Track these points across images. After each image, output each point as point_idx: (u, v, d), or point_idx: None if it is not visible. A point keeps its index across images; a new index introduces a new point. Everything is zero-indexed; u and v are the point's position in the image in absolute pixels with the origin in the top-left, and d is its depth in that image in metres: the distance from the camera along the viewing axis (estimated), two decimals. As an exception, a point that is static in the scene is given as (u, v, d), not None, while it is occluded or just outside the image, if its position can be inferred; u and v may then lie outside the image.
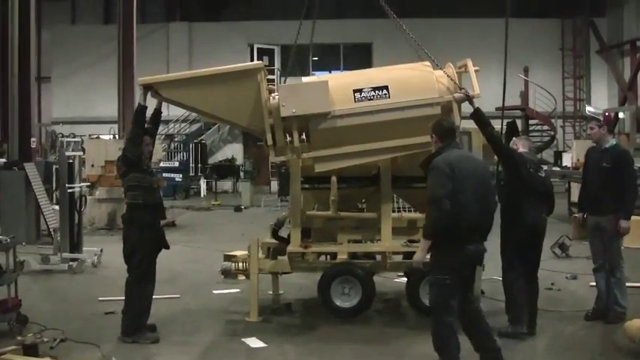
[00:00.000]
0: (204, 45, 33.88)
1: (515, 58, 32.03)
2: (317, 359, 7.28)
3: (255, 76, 7.66)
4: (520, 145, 8.12)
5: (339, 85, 7.83)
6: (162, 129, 33.18)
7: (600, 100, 33.31)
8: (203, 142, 32.56)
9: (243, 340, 7.75)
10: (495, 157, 8.02)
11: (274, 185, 28.59)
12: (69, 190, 12.39)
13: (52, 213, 14.55)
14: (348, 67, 31.38)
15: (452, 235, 5.94)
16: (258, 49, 33.04)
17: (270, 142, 7.68)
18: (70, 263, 12.03)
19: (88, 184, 16.45)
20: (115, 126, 22.40)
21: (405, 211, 10.24)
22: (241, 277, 9.41)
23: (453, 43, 27.30)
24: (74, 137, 27.62)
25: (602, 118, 9.07)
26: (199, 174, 30.54)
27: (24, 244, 14.98)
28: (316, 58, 33.49)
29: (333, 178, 8.47)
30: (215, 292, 10.23)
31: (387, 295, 9.70)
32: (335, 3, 34.40)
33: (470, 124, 7.97)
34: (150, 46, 31.40)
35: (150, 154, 8.20)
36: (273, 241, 9.09)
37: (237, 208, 23.33)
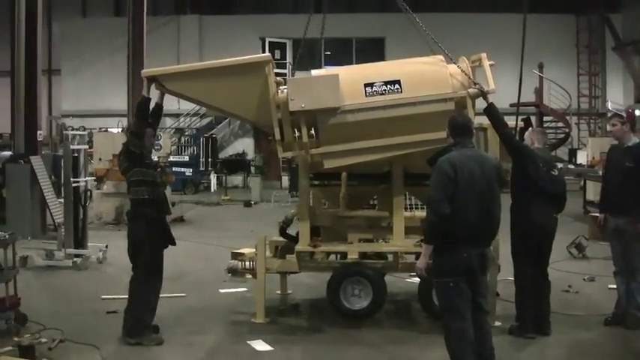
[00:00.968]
0: (215, 38, 33.62)
1: (530, 54, 31.50)
2: (323, 364, 7.02)
3: (262, 68, 7.37)
4: (535, 140, 7.82)
5: (350, 79, 7.54)
6: (172, 123, 33.07)
7: (615, 97, 32.84)
8: (214, 136, 32.31)
9: (248, 342, 7.49)
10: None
11: (285, 180, 28.29)
12: (73, 185, 12.14)
13: (58, 207, 14.29)
14: (361, 61, 30.96)
15: (451, 239, 5.74)
16: (269, 42, 32.71)
17: (277, 137, 7.40)
18: (75, 259, 11.80)
19: (94, 178, 16.22)
20: (124, 119, 22.17)
21: (418, 208, 9.93)
22: (248, 276, 9.13)
23: (466, 38, 26.87)
24: (84, 130, 27.54)
25: (624, 114, 8.59)
26: (209, 168, 30.28)
27: (29, 238, 14.86)
28: (328, 53, 33.25)
29: (344, 175, 8.19)
30: (222, 290, 9.96)
31: (399, 295, 9.41)
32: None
33: (486, 120, 7.68)
34: (160, 40, 31.20)
35: (152, 147, 8.04)
36: (282, 239, 8.81)
37: (247, 204, 23.06)
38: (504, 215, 6.33)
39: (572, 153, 29.35)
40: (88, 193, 12.63)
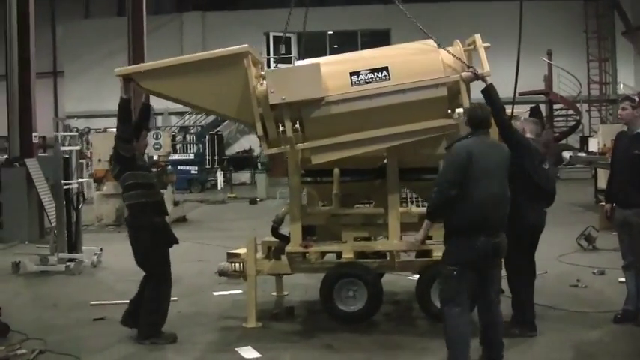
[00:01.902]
0: (218, 35, 33.25)
1: (538, 41, 31.36)
2: (315, 372, 6.64)
3: (240, 61, 6.94)
4: (527, 130, 7.37)
5: (335, 69, 7.12)
6: (177, 121, 32.77)
7: (627, 82, 32.26)
8: (219, 133, 32.01)
9: (236, 349, 7.09)
10: None
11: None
12: (66, 187, 11.83)
13: (54, 210, 14.01)
14: (366, 54, 30.68)
15: (462, 226, 5.85)
16: (274, 37, 32.28)
17: (260, 132, 7.00)
18: (68, 264, 11.48)
19: (92, 179, 15.91)
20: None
21: (413, 203, 9.52)
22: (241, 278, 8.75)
23: (472, 27, 26.40)
24: (88, 131, 27.22)
25: (637, 98, 8.01)
26: (216, 166, 29.95)
27: (27, 242, 14.62)
28: (336, 46, 32.90)
29: (336, 171, 7.79)
30: (215, 293, 9.59)
31: (398, 295, 9.00)
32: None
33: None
34: (163, 38, 30.98)
35: (144, 148, 7.85)
36: (275, 239, 8.41)
37: (252, 201, 22.73)
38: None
39: (584, 141, 28.92)
40: (81, 195, 12.28)
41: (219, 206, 22.61)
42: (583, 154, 23.41)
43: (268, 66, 24.52)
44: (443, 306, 6.06)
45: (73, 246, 11.91)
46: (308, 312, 8.53)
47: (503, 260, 6.70)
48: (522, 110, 29.78)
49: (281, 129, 6.86)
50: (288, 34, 32.27)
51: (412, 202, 9.58)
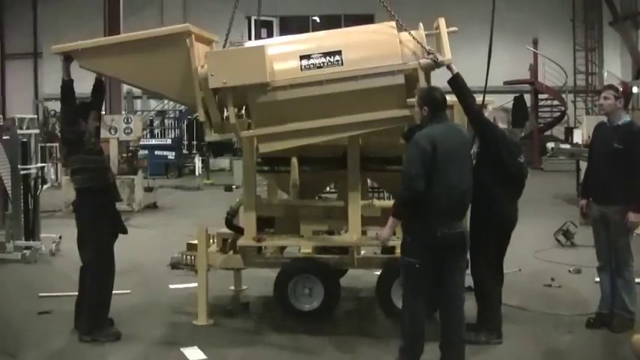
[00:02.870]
0: (200, 18, 32.34)
1: (524, 29, 30.95)
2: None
3: (181, 41, 6.45)
4: (498, 119, 6.86)
5: (284, 51, 6.62)
6: (155, 105, 32.13)
7: (612, 71, 31.84)
8: (199, 118, 31.36)
9: (182, 349, 6.62)
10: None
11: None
12: (23, 172, 11.29)
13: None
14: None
15: (424, 216, 5.56)
16: (255, 21, 31.64)
17: (202, 118, 6.53)
18: (24, 252, 10.95)
19: (45, 164, 15.35)
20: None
21: (378, 195, 9.02)
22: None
23: (456, 12, 25.94)
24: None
25: (620, 88, 7.48)
26: (194, 152, 29.35)
27: (-13, 229, 14.05)
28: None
29: (294, 160, 7.31)
30: (171, 286, 9.06)
31: (362, 292, 8.52)
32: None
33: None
34: (143, 19, 30.16)
35: (97, 130, 7.32)
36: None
37: (228, 188, 22.10)
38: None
39: (569, 132, 28.48)
40: (40, 180, 11.75)
41: (194, 193, 22.05)
42: (567, 146, 23.01)
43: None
44: (403, 298, 5.87)
45: (31, 233, 11.38)
46: (265, 308, 8.06)
47: (469, 256, 6.38)
48: (508, 100, 29.77)
49: (226, 114, 6.35)
50: (270, 18, 31.87)
51: (376, 194, 9.05)
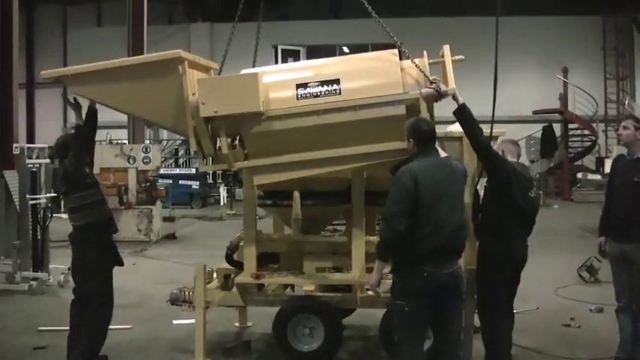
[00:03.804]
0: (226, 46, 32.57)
1: (554, 58, 30.51)
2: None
3: (174, 68, 6.22)
4: (507, 151, 6.49)
5: (280, 80, 6.37)
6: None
7: (636, 100, 31.22)
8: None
9: (176, 392, 6.34)
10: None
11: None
12: (32, 202, 11.14)
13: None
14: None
15: (410, 256, 5.19)
16: (282, 50, 31.57)
17: (194, 147, 6.27)
18: (31, 283, 10.77)
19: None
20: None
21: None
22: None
23: (486, 42, 25.65)
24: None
25: None
26: (219, 181, 29.16)
27: (2, 258, 13.90)
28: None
29: (296, 194, 7.00)
30: (175, 322, 8.76)
31: (370, 331, 8.14)
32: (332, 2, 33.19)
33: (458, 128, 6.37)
34: (171, 49, 30.28)
35: (90, 161, 7.12)
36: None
37: (251, 218, 21.89)
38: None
39: (600, 162, 27.89)
40: (49, 210, 11.58)
41: (216, 223, 21.81)
42: (596, 176, 22.49)
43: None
44: (398, 344, 5.46)
45: (40, 264, 11.21)
46: (267, 347, 7.71)
47: (476, 297, 6.07)
48: (537, 130, 29.27)
49: (219, 144, 6.08)
50: (297, 47, 31.73)
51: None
